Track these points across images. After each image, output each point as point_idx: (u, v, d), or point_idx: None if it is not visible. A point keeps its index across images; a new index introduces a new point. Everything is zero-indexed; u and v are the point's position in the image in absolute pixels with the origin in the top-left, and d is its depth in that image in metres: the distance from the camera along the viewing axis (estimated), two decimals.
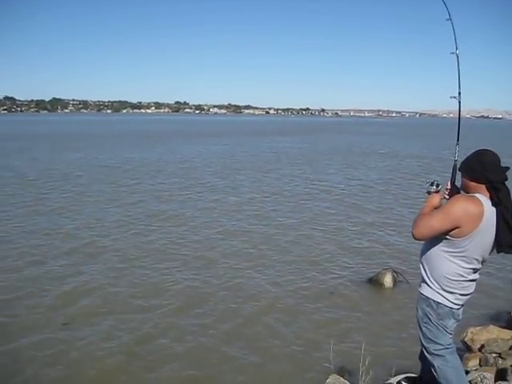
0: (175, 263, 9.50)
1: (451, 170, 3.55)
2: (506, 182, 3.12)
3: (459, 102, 3.83)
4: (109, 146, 38.07)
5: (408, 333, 6.36)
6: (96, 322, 7.01)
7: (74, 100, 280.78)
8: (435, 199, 3.33)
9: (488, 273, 8.75)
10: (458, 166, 3.33)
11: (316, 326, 7.03)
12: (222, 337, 6.67)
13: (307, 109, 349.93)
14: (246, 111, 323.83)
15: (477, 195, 3.09)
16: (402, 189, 18.91)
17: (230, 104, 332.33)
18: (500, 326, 6.13)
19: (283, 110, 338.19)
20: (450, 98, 3.84)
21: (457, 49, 3.87)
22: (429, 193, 3.41)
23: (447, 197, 3.43)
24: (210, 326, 6.97)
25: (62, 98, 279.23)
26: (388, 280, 8.42)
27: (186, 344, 6.45)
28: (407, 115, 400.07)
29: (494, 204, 3.06)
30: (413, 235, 3.18)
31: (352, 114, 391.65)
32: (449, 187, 3.47)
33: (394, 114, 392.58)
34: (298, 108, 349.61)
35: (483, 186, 3.10)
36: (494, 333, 5.75)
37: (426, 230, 3.10)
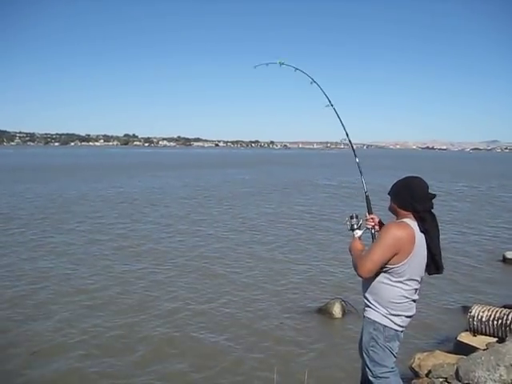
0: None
1: (365, 201, 3.77)
2: (432, 210, 3.26)
3: (350, 141, 4.47)
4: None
5: (355, 361, 6.39)
6: None
7: (20, 132, 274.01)
8: (357, 244, 3.47)
9: (435, 299, 8.97)
10: (388, 190, 3.43)
11: (263, 356, 7.00)
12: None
13: (256, 141, 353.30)
14: (196, 144, 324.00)
15: (405, 220, 3.22)
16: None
17: (179, 137, 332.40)
18: (446, 351, 6.22)
19: (233, 143, 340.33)
20: (341, 140, 4.23)
21: (330, 102, 4.39)
22: (352, 228, 3.56)
23: (369, 226, 3.60)
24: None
25: (8, 130, 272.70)
26: (337, 310, 8.49)
27: None
28: (355, 147, 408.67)
29: (421, 231, 3.20)
30: (360, 276, 3.26)
31: (301, 146, 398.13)
32: (368, 217, 3.64)
33: (341, 146, 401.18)
34: (247, 140, 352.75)
35: (410, 214, 3.24)
36: (440, 358, 5.83)
37: (371, 265, 3.16)
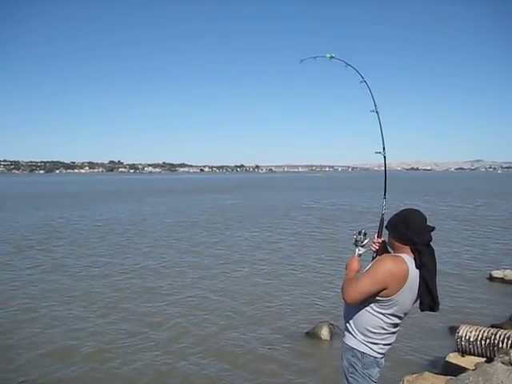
0: None
1: (379, 223, 3.60)
2: (430, 243, 3.14)
3: (384, 157, 3.93)
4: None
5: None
6: None
7: (4, 161, 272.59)
8: (355, 263, 3.34)
9: (424, 321, 8.91)
10: (385, 224, 3.35)
11: (252, 379, 6.95)
12: None
13: (241, 166, 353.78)
14: (181, 169, 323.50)
15: (402, 255, 3.11)
16: (334, 241, 19.23)
17: (164, 162, 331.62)
18: (435, 373, 6.19)
19: (218, 168, 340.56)
20: (375, 153, 3.93)
21: (376, 106, 3.96)
22: (356, 243, 3.44)
23: (373, 249, 3.49)
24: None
25: None
26: (325, 333, 8.45)
27: None
28: (340, 169, 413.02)
29: (417, 266, 3.09)
30: (345, 301, 3.18)
31: (286, 169, 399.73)
32: (375, 240, 3.51)
33: (327, 169, 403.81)
34: (232, 165, 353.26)
35: (408, 247, 3.14)
36: (429, 379, 5.79)
37: (356, 294, 3.09)
